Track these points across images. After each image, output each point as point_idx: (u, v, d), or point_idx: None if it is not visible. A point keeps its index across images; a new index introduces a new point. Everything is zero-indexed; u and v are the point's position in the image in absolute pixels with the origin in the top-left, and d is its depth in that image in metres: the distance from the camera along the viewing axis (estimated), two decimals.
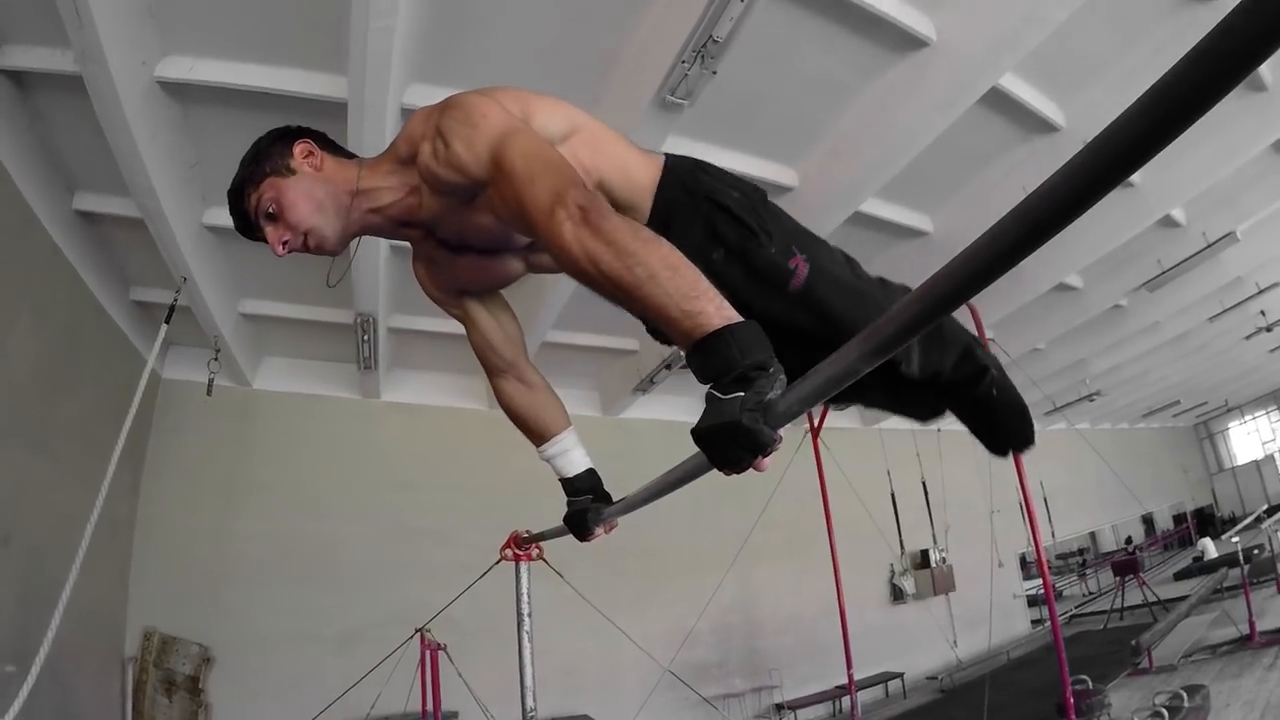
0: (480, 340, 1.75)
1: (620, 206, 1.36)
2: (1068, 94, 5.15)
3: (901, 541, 10.90)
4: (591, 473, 1.82)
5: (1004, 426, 1.59)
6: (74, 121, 3.88)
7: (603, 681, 7.37)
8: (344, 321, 6.31)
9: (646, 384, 7.91)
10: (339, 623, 6.52)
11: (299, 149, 1.49)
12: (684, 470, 1.18)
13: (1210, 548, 14.37)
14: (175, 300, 4.82)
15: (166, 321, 4.71)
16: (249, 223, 1.48)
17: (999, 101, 4.91)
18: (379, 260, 5.24)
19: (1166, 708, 5.41)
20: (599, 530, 1.80)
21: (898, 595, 10.95)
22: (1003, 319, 7.92)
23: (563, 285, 5.51)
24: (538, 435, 1.80)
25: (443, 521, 7.36)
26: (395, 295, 5.93)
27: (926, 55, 4.22)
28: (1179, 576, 14.00)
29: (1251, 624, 7.79)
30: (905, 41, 4.18)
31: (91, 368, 5.23)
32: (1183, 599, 10.09)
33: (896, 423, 10.76)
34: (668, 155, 1.51)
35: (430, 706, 4.84)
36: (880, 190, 5.46)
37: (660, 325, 1.03)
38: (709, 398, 0.93)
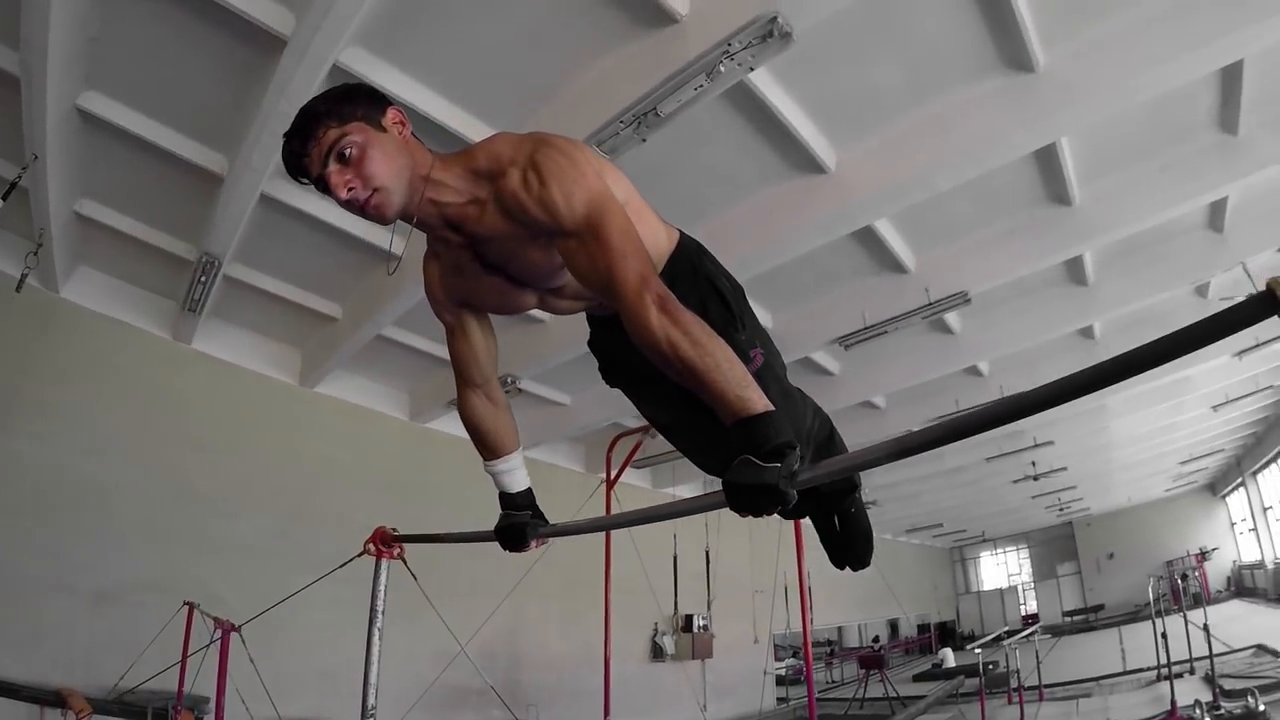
0: (465, 352, 1.79)
1: None
2: (924, 245, 5.92)
3: (677, 603, 11.35)
4: (530, 491, 1.91)
5: (851, 543, 1.87)
6: None
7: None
8: (181, 255, 5.88)
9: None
10: (96, 577, 5.84)
11: (392, 113, 1.49)
12: (691, 505, 1.43)
13: (950, 657, 16.08)
14: (19, 178, 4.30)
15: (3, 198, 4.21)
16: (306, 152, 1.42)
17: (865, 236, 5.57)
18: (249, 205, 4.95)
19: None
20: (533, 544, 1.90)
21: (658, 653, 11.33)
22: None
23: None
24: (491, 450, 1.86)
25: (226, 491, 6.86)
26: (243, 241, 5.57)
27: (821, 181, 4.74)
28: (918, 678, 15.37)
29: None
30: (807, 163, 4.68)
31: None
32: (921, 698, 11.14)
33: (687, 490, 11.25)
34: (681, 233, 1.71)
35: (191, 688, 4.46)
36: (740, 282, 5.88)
37: (712, 401, 1.26)
38: (745, 461, 1.19)
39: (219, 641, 4.24)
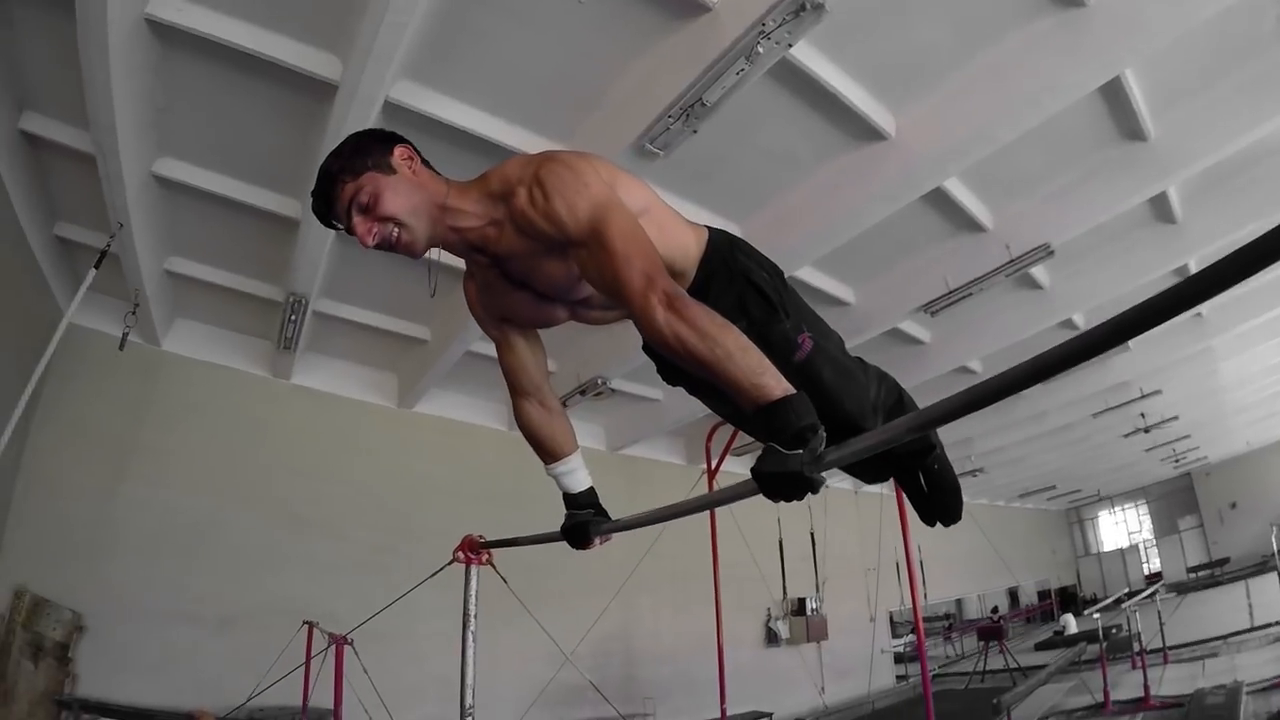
0: (514, 363, 1.88)
1: (674, 274, 1.54)
2: (999, 201, 5.63)
3: (785, 587, 11.25)
4: (592, 490, 1.97)
5: (940, 500, 1.83)
6: (44, 39, 3.71)
7: (479, 694, 7.23)
8: (270, 297, 6.20)
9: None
10: (218, 605, 6.26)
11: (399, 151, 1.58)
12: (728, 495, 1.41)
13: (1072, 623, 15.36)
14: (108, 246, 4.62)
15: (96, 267, 4.53)
16: (331, 208, 1.55)
17: (937, 199, 5.33)
18: (325, 244, 5.17)
19: None
20: (596, 541, 1.94)
21: (772, 638, 11.26)
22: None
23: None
24: (550, 454, 1.93)
25: (334, 515, 7.20)
26: (327, 278, 5.86)
27: (883, 148, 4.57)
28: (1040, 647, 14.80)
29: (1106, 693, 8.36)
30: (866, 133, 4.52)
31: None
32: (1042, 667, 10.69)
33: None
34: (710, 230, 1.71)
35: (314, 703, 4.71)
36: (814, 260, 5.77)
37: (730, 392, 1.26)
38: (770, 449, 1.18)
39: (332, 654, 4.48)
